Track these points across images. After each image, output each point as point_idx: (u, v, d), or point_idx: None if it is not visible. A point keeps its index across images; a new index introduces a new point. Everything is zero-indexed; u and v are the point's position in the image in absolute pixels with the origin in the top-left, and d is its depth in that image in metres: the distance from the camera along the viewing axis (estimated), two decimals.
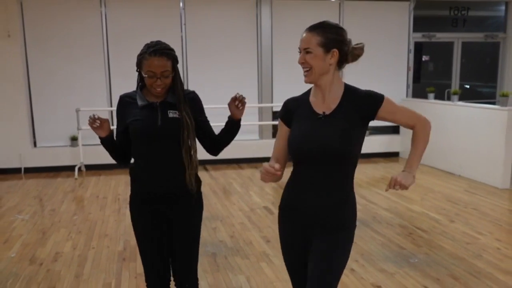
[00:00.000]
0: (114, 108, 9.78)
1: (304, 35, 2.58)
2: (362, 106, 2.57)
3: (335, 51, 2.54)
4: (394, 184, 2.53)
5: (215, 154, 3.30)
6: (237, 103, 3.06)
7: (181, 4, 10.18)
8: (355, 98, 2.60)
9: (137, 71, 3.06)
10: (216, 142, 3.24)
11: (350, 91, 2.63)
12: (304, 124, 2.63)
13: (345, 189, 2.65)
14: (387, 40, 11.04)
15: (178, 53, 3.14)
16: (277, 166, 2.45)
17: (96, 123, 3.04)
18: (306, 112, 2.66)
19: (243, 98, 3.06)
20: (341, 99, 2.60)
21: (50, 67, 9.88)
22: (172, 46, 3.11)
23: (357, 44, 2.63)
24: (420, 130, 2.68)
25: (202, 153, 3.27)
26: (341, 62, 2.61)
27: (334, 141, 2.53)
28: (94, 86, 10.10)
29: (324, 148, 2.53)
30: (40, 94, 9.95)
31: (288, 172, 2.75)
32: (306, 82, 2.64)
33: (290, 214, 2.74)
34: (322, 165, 2.57)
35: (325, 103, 2.62)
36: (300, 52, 2.60)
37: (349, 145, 2.55)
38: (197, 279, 3.32)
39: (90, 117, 3.04)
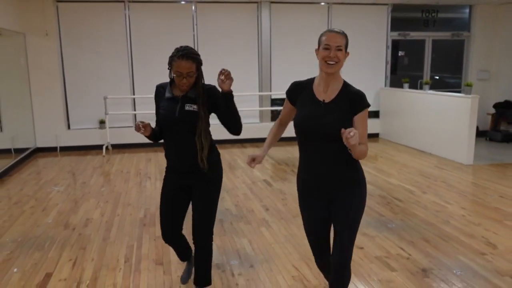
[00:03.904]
0: (137, 95, 9.92)
1: (335, 36, 2.66)
2: (353, 101, 2.69)
3: (348, 52, 2.72)
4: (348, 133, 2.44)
5: (236, 133, 3.26)
6: (222, 77, 2.97)
7: (193, 8, 10.05)
8: (350, 94, 2.71)
9: (168, 69, 3.08)
10: (230, 122, 3.18)
11: (347, 87, 2.75)
12: (307, 108, 2.77)
13: (346, 156, 2.69)
14: (368, 38, 10.97)
15: None
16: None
17: (141, 130, 3.11)
18: (309, 97, 2.78)
19: (226, 71, 2.96)
20: (339, 92, 2.72)
21: (82, 61, 9.84)
22: (185, 43, 3.13)
23: None
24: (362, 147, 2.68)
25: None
26: None
27: (330, 125, 2.65)
28: (119, 77, 10.03)
29: (323, 129, 2.67)
30: (73, 84, 9.90)
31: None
32: (331, 72, 2.67)
33: (309, 184, 2.85)
34: (322, 141, 2.70)
35: (326, 93, 2.73)
36: (327, 48, 2.64)
37: (341, 128, 2.59)
38: (209, 240, 3.40)
39: (136, 125, 3.11)
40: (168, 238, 3.47)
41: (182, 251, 3.68)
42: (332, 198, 2.80)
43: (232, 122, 3.17)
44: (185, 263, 3.92)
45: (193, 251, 3.50)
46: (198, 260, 3.43)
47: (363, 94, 2.72)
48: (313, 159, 2.78)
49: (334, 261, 2.80)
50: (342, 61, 2.68)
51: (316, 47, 2.74)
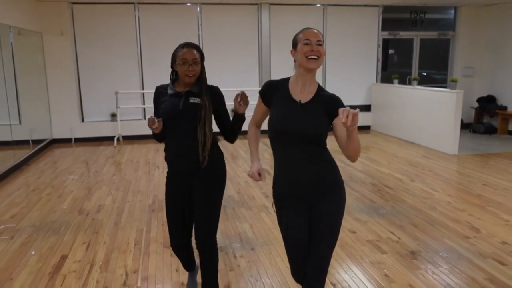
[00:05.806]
0: (146, 90, 9.87)
1: (314, 31, 2.40)
2: (328, 105, 2.36)
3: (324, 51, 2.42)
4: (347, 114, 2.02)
5: (230, 141, 3.06)
6: (239, 100, 2.78)
7: (198, 9, 9.99)
8: (325, 97, 2.40)
9: (171, 67, 2.92)
10: (229, 132, 3.02)
11: (321, 90, 2.45)
12: (284, 108, 2.43)
13: (323, 159, 2.44)
14: (360, 37, 10.89)
15: None
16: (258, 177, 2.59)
17: (154, 125, 2.78)
18: (285, 97, 2.45)
19: (245, 96, 2.78)
20: (315, 94, 2.42)
21: (95, 58, 9.79)
22: (189, 41, 2.96)
23: None
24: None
25: (214, 125, 3.01)
26: None
27: (308, 126, 2.35)
28: (129, 73, 9.98)
29: (301, 130, 2.35)
30: (86, 80, 9.85)
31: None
32: (314, 68, 2.38)
33: (287, 192, 2.48)
34: (299, 143, 2.37)
35: (303, 94, 2.42)
36: (307, 43, 2.37)
37: (319, 130, 2.36)
38: (214, 243, 3.00)
39: (149, 119, 2.78)
40: (177, 246, 3.14)
41: (189, 261, 3.33)
42: (312, 203, 2.45)
43: (231, 134, 3.02)
44: (188, 273, 3.54)
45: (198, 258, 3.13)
46: (204, 266, 3.03)
47: (338, 98, 2.41)
48: (290, 163, 2.42)
49: (310, 271, 2.46)
50: (323, 56, 2.40)
51: (291, 48, 2.49)
